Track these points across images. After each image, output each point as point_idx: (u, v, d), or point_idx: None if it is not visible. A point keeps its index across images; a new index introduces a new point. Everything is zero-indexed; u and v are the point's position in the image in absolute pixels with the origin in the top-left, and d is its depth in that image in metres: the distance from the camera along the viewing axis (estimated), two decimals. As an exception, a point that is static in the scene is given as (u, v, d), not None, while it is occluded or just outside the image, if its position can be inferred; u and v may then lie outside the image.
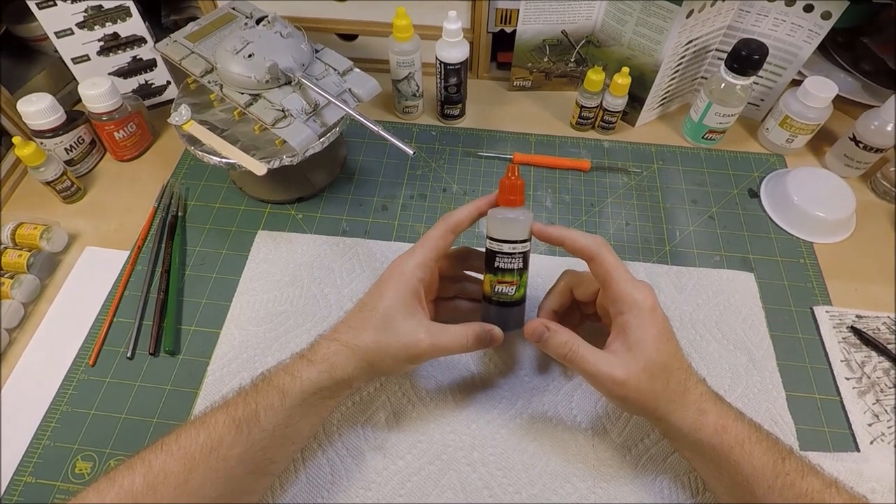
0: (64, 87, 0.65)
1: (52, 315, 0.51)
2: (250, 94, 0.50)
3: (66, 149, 0.58)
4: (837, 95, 0.58)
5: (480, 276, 0.43)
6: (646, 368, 0.36)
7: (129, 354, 0.49)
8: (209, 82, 0.52)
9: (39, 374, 0.48)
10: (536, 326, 0.38)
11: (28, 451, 0.44)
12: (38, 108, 0.55)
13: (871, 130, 0.58)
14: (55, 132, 0.57)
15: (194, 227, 0.57)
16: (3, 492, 0.42)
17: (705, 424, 0.36)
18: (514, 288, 0.41)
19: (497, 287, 0.41)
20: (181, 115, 0.50)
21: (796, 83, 0.61)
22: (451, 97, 0.64)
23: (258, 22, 0.52)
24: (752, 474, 0.34)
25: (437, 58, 0.60)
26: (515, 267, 0.40)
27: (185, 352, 0.49)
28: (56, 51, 0.59)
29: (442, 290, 0.46)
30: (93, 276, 0.54)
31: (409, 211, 0.59)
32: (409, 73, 0.62)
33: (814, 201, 0.57)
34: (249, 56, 0.49)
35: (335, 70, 0.53)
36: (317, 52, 0.54)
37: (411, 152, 0.46)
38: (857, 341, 0.50)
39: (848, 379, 0.48)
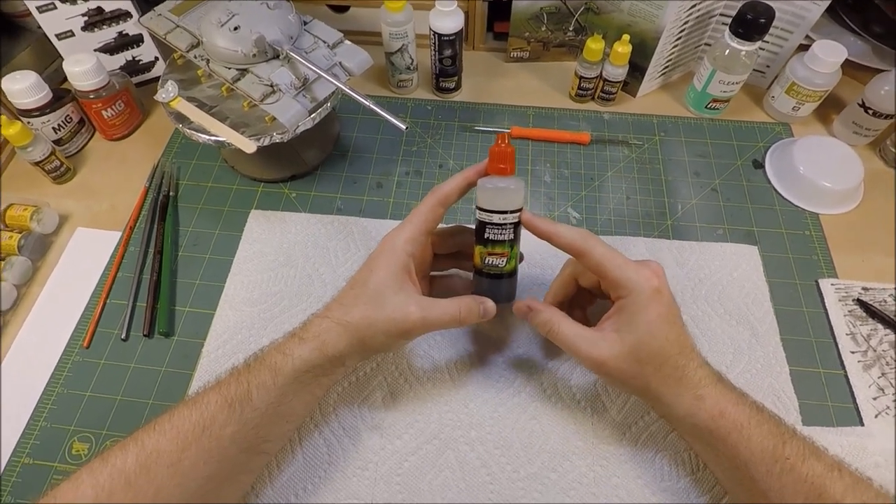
0: (50, 64, 0.64)
1: (45, 297, 0.51)
2: (238, 69, 0.49)
3: (53, 128, 0.57)
4: (846, 60, 0.56)
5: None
6: (632, 351, 0.36)
7: (123, 336, 0.48)
8: (195, 57, 0.50)
9: (34, 356, 0.48)
10: (520, 306, 0.41)
11: (25, 433, 0.44)
12: (22, 87, 0.53)
13: (881, 96, 0.56)
14: (42, 111, 0.55)
15: (186, 206, 0.57)
16: (1, 473, 0.42)
17: (701, 409, 0.35)
18: (506, 259, 0.40)
19: (488, 259, 0.40)
20: (168, 91, 0.49)
21: (804, 48, 0.59)
22: (446, 70, 0.62)
23: (243, -8, 0.50)
24: (750, 459, 0.34)
25: (430, 28, 0.58)
26: (506, 238, 0.39)
27: (179, 333, 0.49)
28: (40, 27, 0.57)
29: (436, 266, 0.45)
30: (85, 258, 0.53)
31: (404, 188, 0.58)
32: (403, 45, 0.60)
33: (820, 171, 0.55)
34: (235, 29, 0.47)
35: (325, 43, 0.51)
36: (305, 24, 0.52)
37: (404, 127, 0.45)
38: (864, 314, 0.49)
39: (853, 352, 0.47)
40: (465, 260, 0.46)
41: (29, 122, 0.55)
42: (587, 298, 0.45)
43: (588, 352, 0.37)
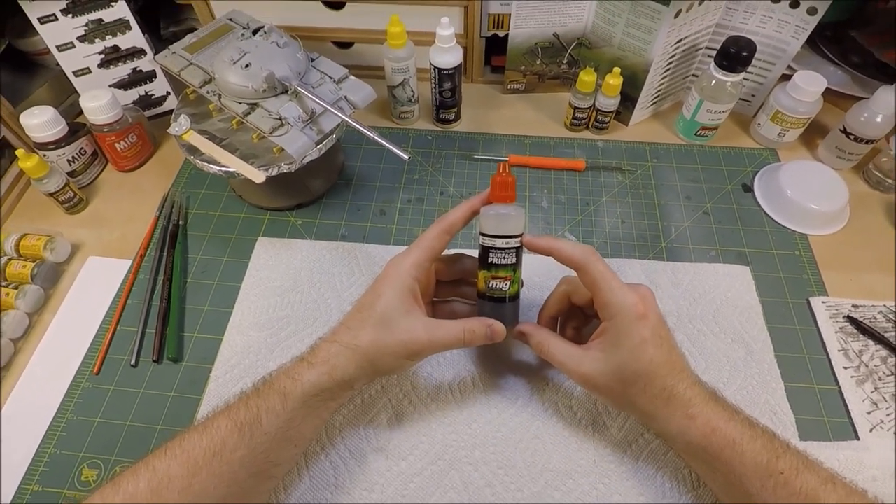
0: (66, 99, 0.66)
1: (57, 325, 0.52)
2: (248, 104, 0.51)
3: (68, 160, 0.59)
4: (827, 88, 0.59)
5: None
6: (616, 371, 0.38)
7: (132, 362, 0.49)
8: (208, 92, 0.53)
9: (44, 383, 0.48)
10: (515, 333, 0.44)
11: (34, 460, 0.44)
12: (40, 121, 0.56)
13: (862, 122, 0.59)
14: (57, 144, 0.57)
15: (195, 235, 0.58)
16: (10, 500, 0.42)
17: (692, 427, 0.36)
18: (509, 283, 0.41)
19: (491, 283, 0.41)
20: (180, 125, 0.51)
21: (786, 78, 0.62)
22: (446, 102, 0.65)
23: (255, 33, 0.53)
24: (744, 474, 0.34)
25: (431, 63, 0.61)
26: (509, 262, 0.41)
27: (188, 358, 0.50)
28: (58, 64, 0.60)
29: (439, 293, 0.46)
30: (96, 286, 0.54)
31: (406, 215, 0.60)
32: (404, 80, 0.63)
33: (807, 194, 0.57)
34: (247, 66, 0.49)
35: (331, 78, 0.53)
36: (312, 60, 0.55)
37: (406, 157, 0.47)
38: (854, 330, 0.50)
39: (846, 368, 0.48)
40: (466, 287, 0.47)
41: (45, 155, 0.57)
42: (580, 318, 0.46)
43: (576, 368, 0.40)
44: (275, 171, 0.50)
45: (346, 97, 0.53)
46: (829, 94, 0.61)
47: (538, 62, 0.69)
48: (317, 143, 0.51)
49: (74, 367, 0.49)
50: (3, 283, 0.52)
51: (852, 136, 0.60)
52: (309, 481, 0.42)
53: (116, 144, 0.60)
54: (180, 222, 0.58)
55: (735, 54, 0.57)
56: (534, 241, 0.41)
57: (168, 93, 0.67)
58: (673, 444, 0.39)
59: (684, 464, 0.43)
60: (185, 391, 0.48)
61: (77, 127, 0.60)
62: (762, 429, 0.36)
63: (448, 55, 0.60)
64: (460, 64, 0.61)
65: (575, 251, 0.40)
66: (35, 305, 0.52)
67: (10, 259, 0.54)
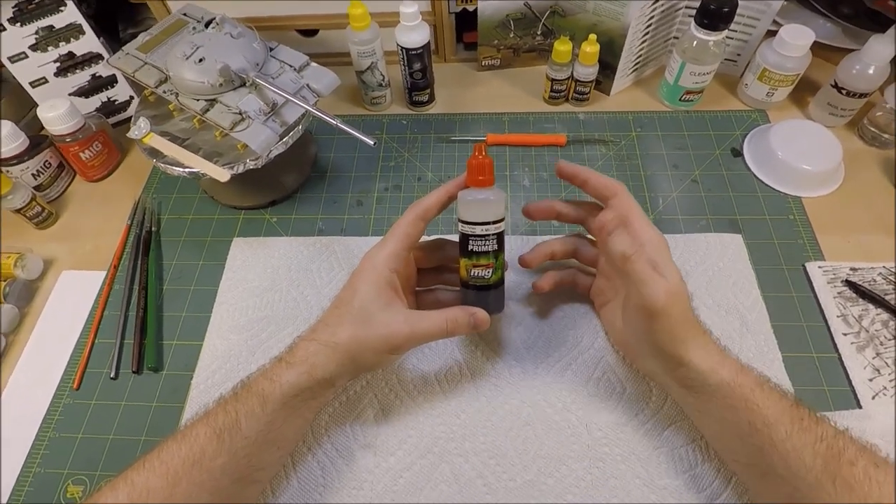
0: (27, 112, 0.65)
1: (34, 343, 0.51)
2: (206, 100, 0.49)
3: (32, 174, 0.57)
4: (816, 42, 0.57)
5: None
6: (677, 292, 0.36)
7: (112, 375, 0.48)
8: (164, 92, 0.51)
9: (25, 402, 0.48)
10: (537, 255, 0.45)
11: (19, 479, 0.44)
12: (-2, 136, 0.54)
13: (853, 75, 0.56)
14: (19, 158, 0.56)
15: (169, 240, 0.57)
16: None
17: (725, 365, 0.36)
18: (491, 271, 0.40)
19: (473, 271, 0.40)
20: (140, 128, 0.49)
21: (772, 34, 0.59)
22: (418, 83, 0.63)
23: (207, 25, 0.51)
24: (771, 416, 0.33)
25: (397, 44, 0.59)
26: (490, 249, 0.39)
27: (168, 367, 0.49)
28: (14, 77, 0.58)
29: (421, 282, 0.45)
30: (71, 300, 0.53)
31: (384, 203, 0.58)
32: (372, 63, 0.61)
33: (799, 154, 0.55)
34: (200, 60, 0.47)
35: (291, 67, 0.51)
36: (271, 49, 0.53)
37: (372, 142, 0.45)
38: (853, 295, 0.48)
39: (846, 334, 0.46)
40: (448, 274, 0.45)
41: (7, 171, 0.56)
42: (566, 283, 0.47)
43: (657, 285, 0.36)
44: (241, 169, 0.48)
45: (308, 85, 0.51)
46: (817, 49, 0.58)
47: (511, 35, 0.66)
48: (281, 136, 0.49)
49: (54, 384, 0.48)
50: (-24, 304, 0.51)
51: (844, 91, 0.57)
52: (297, 482, 0.42)
53: (81, 154, 0.58)
54: (153, 229, 0.57)
55: (716, 11, 0.54)
56: (567, 168, 0.42)
57: (131, 97, 0.65)
58: (699, 391, 0.37)
59: (681, 443, 0.42)
60: (168, 400, 0.47)
61: (40, 140, 0.58)
62: (774, 382, 0.36)
63: (414, 33, 0.57)
64: (428, 42, 0.59)
65: (609, 180, 0.41)
66: (10, 325, 0.51)
67: (-20, 279, 0.52)
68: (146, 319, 0.51)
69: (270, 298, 0.51)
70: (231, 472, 0.34)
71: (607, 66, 0.63)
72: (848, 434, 0.33)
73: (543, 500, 0.40)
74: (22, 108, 0.64)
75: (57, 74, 0.59)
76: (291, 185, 0.59)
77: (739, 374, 0.35)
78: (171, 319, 0.51)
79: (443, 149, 0.63)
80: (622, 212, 0.39)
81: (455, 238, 0.41)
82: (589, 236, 0.46)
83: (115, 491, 0.33)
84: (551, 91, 0.64)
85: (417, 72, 0.61)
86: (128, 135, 0.50)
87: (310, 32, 0.69)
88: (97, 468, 0.44)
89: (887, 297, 0.47)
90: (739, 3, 0.55)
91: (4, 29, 0.54)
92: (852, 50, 0.58)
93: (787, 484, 0.33)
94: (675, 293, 0.36)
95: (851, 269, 0.50)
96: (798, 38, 0.56)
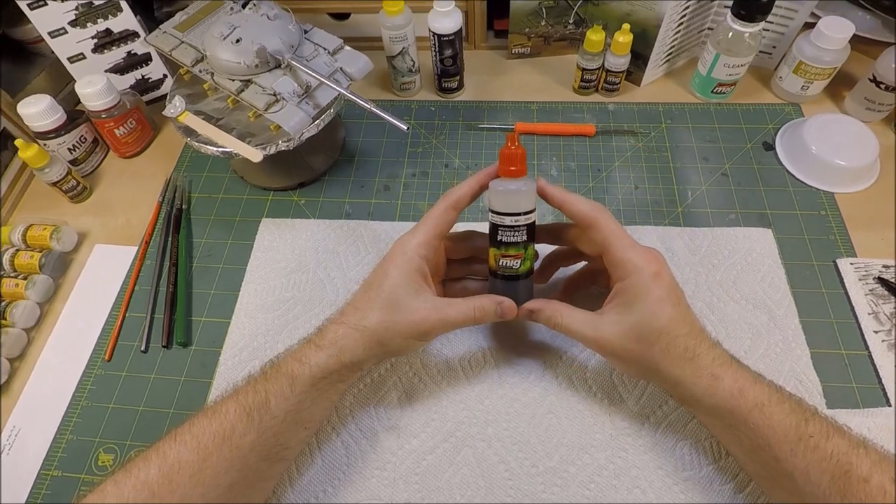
0: (64, 87, 0.66)
1: (67, 313, 0.52)
2: (241, 81, 0.49)
3: (69, 149, 0.58)
4: (854, 35, 0.55)
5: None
6: (634, 330, 0.36)
7: (142, 348, 0.49)
8: (200, 71, 0.51)
9: (58, 371, 0.49)
10: (522, 312, 0.41)
11: (52, 446, 0.45)
12: (37, 110, 0.55)
13: (893, 69, 0.55)
14: (57, 132, 0.57)
15: (199, 218, 0.58)
16: (31, 487, 0.43)
17: (719, 388, 0.34)
18: (520, 261, 0.39)
19: (502, 261, 0.40)
20: (175, 106, 0.50)
21: (809, 26, 0.58)
22: (448, 70, 0.62)
23: (244, 6, 0.51)
24: (772, 437, 0.33)
25: (429, 30, 0.59)
26: (519, 240, 0.39)
27: (196, 343, 0.49)
28: (53, 52, 0.59)
29: (450, 272, 0.45)
30: (104, 273, 0.54)
31: (411, 189, 0.58)
32: (403, 48, 0.60)
33: (833, 150, 0.54)
34: (237, 41, 0.48)
35: (325, 50, 0.51)
36: (306, 32, 0.53)
37: (405, 128, 0.45)
38: (885, 292, 0.48)
39: (877, 332, 0.46)
40: (477, 264, 0.45)
41: (45, 145, 0.57)
42: (588, 283, 0.45)
43: (593, 335, 0.38)
44: (273, 150, 0.49)
45: (341, 69, 0.51)
46: (856, 42, 0.57)
47: (543, 23, 0.66)
48: (314, 119, 0.49)
49: (87, 355, 0.49)
50: (13, 274, 0.53)
51: (883, 85, 0.56)
52: (321, 461, 0.42)
53: (115, 130, 0.59)
54: (183, 206, 0.58)
55: (754, 2, 0.53)
56: (547, 190, 0.40)
57: (165, 75, 0.65)
58: (697, 409, 0.37)
59: (705, 435, 0.41)
60: (196, 375, 0.48)
61: (76, 115, 0.59)
62: (788, 393, 0.35)
63: (447, 20, 0.57)
64: (461, 29, 0.59)
65: (586, 207, 0.38)
66: (45, 295, 0.52)
67: (17, 250, 0.54)
68: (176, 295, 0.52)
69: (297, 279, 0.52)
70: (259, 449, 0.35)
71: (639, 56, 0.62)
72: (864, 448, 0.32)
73: (566, 486, 0.41)
74: (59, 83, 0.65)
75: (94, 51, 0.60)
76: (320, 168, 0.59)
77: (739, 394, 0.34)
78: (200, 296, 0.52)
79: (470, 136, 0.63)
80: (600, 242, 0.38)
81: (485, 229, 0.41)
82: None
83: (147, 462, 0.33)
84: (581, 81, 0.63)
85: (448, 58, 0.61)
86: (163, 112, 0.50)
87: (342, 16, 0.69)
88: (127, 438, 0.45)
89: (921, 297, 0.46)
90: (778, -6, 0.54)
91: (46, 4, 0.55)
92: (892, 43, 0.56)
93: (796, 497, 0.33)
94: (636, 327, 0.36)
95: (884, 266, 0.49)
96: (837, 30, 0.55)
